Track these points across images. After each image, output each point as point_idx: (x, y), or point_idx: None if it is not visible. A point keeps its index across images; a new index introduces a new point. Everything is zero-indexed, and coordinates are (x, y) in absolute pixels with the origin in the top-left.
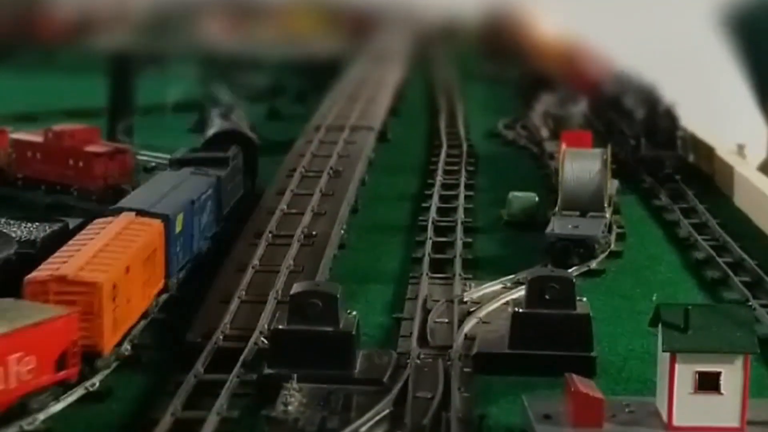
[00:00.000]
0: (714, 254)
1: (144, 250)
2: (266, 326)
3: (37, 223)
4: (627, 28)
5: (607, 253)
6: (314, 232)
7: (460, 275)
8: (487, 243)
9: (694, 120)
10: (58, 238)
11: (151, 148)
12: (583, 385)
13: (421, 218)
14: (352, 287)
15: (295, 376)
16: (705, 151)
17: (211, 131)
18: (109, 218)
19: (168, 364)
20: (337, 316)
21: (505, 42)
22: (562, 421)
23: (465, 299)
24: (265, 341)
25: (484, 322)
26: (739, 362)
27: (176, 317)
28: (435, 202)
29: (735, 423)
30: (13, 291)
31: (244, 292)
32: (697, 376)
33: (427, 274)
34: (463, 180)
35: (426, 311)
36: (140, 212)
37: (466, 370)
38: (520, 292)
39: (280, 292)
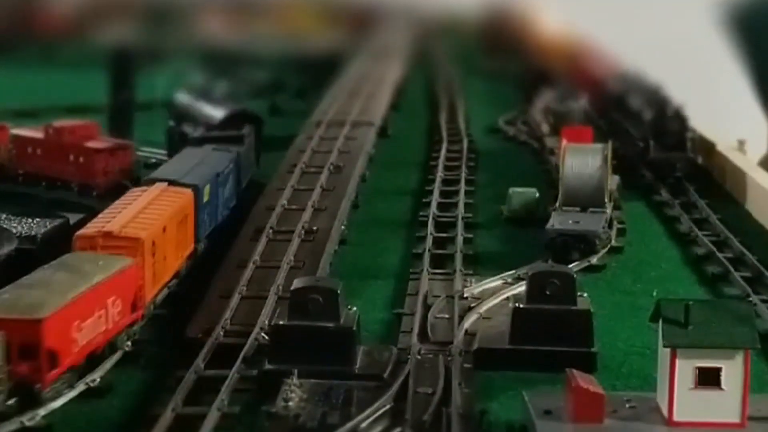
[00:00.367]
0: (714, 250)
1: (177, 215)
2: (267, 322)
3: (37, 219)
4: (627, 25)
5: (607, 248)
6: (315, 228)
7: (460, 271)
8: (488, 238)
9: (694, 116)
10: (59, 234)
11: (151, 144)
12: (583, 380)
13: (421, 214)
14: (352, 283)
15: (296, 371)
16: (706, 147)
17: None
18: (144, 187)
19: (168, 360)
20: (337, 312)
21: (505, 38)
22: (563, 416)
23: (465, 295)
24: (266, 337)
25: (484, 318)
26: (739, 358)
27: (177, 313)
28: (435, 198)
29: (735, 418)
30: None
31: (244, 288)
32: (697, 371)
33: (427, 270)
34: (463, 175)
35: (426, 307)
36: (172, 182)
37: (466, 365)
38: (521, 288)
39: (280, 287)
